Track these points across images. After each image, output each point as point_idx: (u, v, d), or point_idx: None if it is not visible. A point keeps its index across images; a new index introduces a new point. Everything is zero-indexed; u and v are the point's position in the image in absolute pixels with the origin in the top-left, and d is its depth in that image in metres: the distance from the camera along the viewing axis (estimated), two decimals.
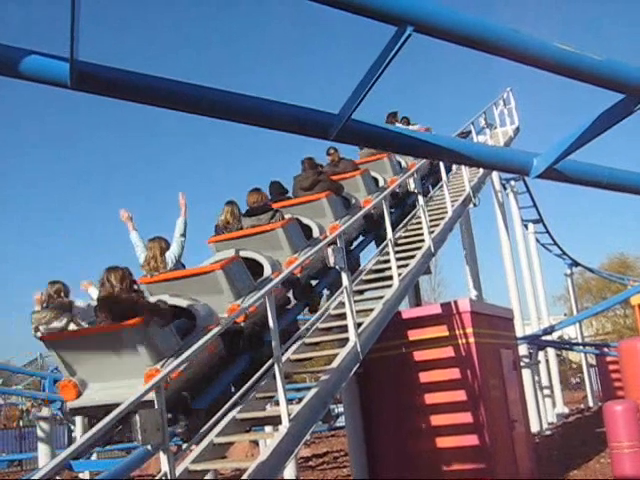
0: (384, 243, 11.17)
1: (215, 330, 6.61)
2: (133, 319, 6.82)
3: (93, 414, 7.31)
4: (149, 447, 5.35)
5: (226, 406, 7.47)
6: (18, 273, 77.23)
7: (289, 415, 6.91)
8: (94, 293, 8.38)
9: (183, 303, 7.82)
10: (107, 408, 6.13)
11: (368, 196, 12.08)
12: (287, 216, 9.93)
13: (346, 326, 8.64)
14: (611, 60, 4.32)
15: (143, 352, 6.89)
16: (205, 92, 4.34)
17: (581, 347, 32.30)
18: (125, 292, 7.14)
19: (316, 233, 10.55)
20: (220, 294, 8.19)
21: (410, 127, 15.38)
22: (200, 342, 6.36)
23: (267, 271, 9.02)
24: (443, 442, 11.50)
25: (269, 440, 7.07)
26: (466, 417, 11.46)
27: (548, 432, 22.08)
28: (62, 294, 8.08)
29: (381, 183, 13.08)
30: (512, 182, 27.73)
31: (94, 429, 5.42)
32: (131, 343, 6.89)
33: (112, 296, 7.12)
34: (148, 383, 5.73)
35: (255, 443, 18.17)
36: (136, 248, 8.73)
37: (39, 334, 7.71)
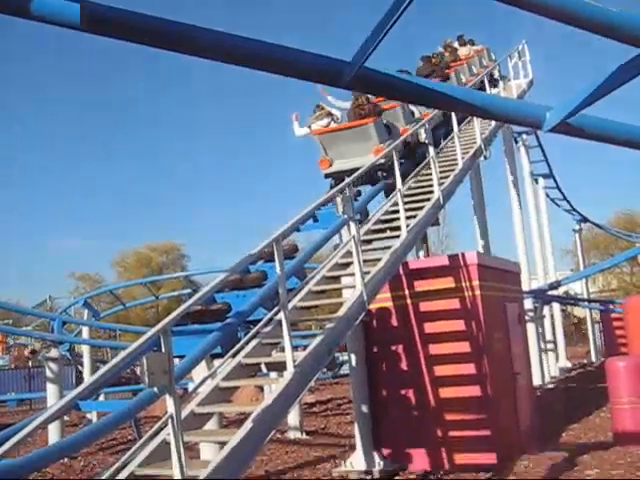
0: (393, 193, 11.15)
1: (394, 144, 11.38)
2: (370, 118, 12.58)
3: (338, 176, 12.33)
4: (155, 389, 5.41)
5: (232, 351, 7.56)
6: None
7: (294, 361, 6.98)
8: (297, 126, 13.47)
9: None
10: (347, 173, 11.51)
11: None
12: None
13: (353, 275, 8.67)
14: (627, 13, 4.25)
15: (375, 137, 12.53)
16: (218, 36, 4.30)
17: (586, 303, 32.41)
18: (366, 103, 12.82)
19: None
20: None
21: (468, 48, 20.10)
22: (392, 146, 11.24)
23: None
24: (446, 392, 11.61)
25: (274, 385, 7.16)
26: (469, 368, 11.55)
27: (550, 385, 22.28)
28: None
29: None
30: (524, 136, 27.55)
31: (102, 370, 5.50)
32: (367, 133, 12.54)
33: (360, 105, 12.82)
34: (379, 153, 11.68)
35: (260, 388, 18.36)
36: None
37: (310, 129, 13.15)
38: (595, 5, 4.12)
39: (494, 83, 19.50)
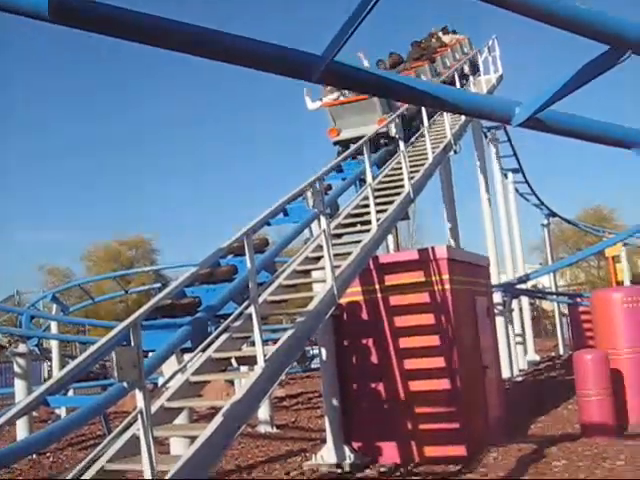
0: (363, 187, 11.21)
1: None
2: None
3: (344, 144, 14.18)
4: (125, 384, 5.39)
5: (202, 345, 7.54)
6: None
7: (264, 356, 6.98)
8: (309, 100, 14.95)
9: None
10: (352, 140, 13.36)
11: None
12: None
13: (323, 269, 8.69)
14: (596, 10, 4.28)
15: (379, 109, 14.01)
16: (187, 29, 4.28)
17: (554, 296, 32.68)
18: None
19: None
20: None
21: (450, 36, 21.46)
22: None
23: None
24: (416, 385, 11.67)
25: (244, 380, 7.15)
26: (439, 361, 11.62)
27: (519, 378, 22.48)
28: None
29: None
30: (493, 130, 27.72)
31: (70, 365, 5.47)
32: (372, 106, 13.98)
33: None
34: (382, 123, 13.29)
35: (230, 382, 18.32)
36: None
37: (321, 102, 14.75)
38: (565, 1, 4.15)
39: (475, 69, 20.72)
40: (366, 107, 14.07)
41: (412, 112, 14.47)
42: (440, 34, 21.92)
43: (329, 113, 14.68)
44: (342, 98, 14.64)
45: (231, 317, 7.89)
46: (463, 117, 15.98)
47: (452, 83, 16.96)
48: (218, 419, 6.32)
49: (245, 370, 8.38)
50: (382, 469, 11.10)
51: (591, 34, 4.35)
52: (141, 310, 5.77)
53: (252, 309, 7.07)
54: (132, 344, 5.41)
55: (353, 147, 11.36)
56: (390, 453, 11.61)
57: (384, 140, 13.95)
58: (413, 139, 14.62)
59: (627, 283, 27.04)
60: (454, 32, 22.71)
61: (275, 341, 7.88)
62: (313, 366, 24.23)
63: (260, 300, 7.71)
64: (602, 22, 4.30)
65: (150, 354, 7.64)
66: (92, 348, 5.39)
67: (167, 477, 5.56)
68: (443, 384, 11.54)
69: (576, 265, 54.42)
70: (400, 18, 65.08)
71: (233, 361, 8.00)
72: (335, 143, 14.84)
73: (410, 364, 11.78)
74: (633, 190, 79.01)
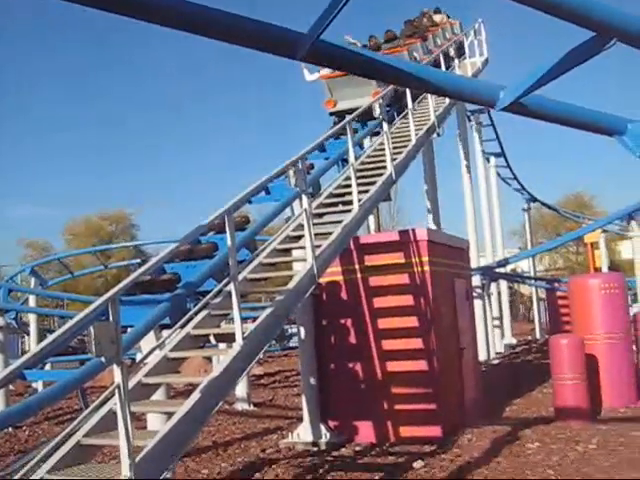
0: (346, 167, 11.20)
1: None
2: None
3: (341, 114, 14.69)
4: (103, 359, 5.38)
5: (181, 321, 7.54)
6: None
7: (243, 333, 6.99)
8: (307, 72, 15.79)
9: None
10: (348, 111, 14.00)
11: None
12: None
13: (303, 248, 8.70)
14: None
15: (374, 82, 13.78)
16: (171, 2, 4.23)
17: (533, 281, 32.92)
18: None
19: None
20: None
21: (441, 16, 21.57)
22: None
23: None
24: (393, 366, 11.74)
25: (222, 357, 7.16)
26: (417, 343, 11.69)
27: (495, 361, 22.67)
28: None
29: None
30: (477, 114, 27.75)
31: (48, 339, 5.45)
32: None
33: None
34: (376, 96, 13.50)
35: (208, 359, 18.34)
36: None
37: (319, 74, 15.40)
38: None
39: (461, 52, 21.01)
40: (362, 79, 13.94)
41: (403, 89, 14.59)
42: (432, 13, 21.98)
43: (326, 85, 15.43)
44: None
45: (210, 294, 7.89)
46: (447, 100, 15.97)
47: (438, 64, 16.99)
48: (195, 395, 6.33)
49: (223, 347, 8.38)
50: (358, 448, 11.18)
51: (577, 20, 4.35)
52: (120, 285, 5.75)
53: (232, 287, 7.06)
54: (110, 319, 5.40)
55: (336, 127, 11.34)
56: (366, 432, 11.68)
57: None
58: (397, 120, 14.62)
59: (605, 270, 27.22)
60: (447, 15, 22.66)
61: (254, 319, 7.88)
62: (291, 345, 24.33)
63: (240, 278, 7.71)
64: (588, 9, 4.30)
65: (129, 330, 7.63)
66: (70, 322, 5.37)
67: (143, 452, 5.57)
68: (420, 365, 11.61)
69: (555, 250, 54.78)
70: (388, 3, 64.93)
71: (211, 338, 8.00)
72: (331, 114, 15.64)
73: (388, 345, 11.83)
74: (614, 177, 79.44)
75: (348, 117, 11.59)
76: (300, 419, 12.27)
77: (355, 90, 14.72)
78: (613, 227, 29.33)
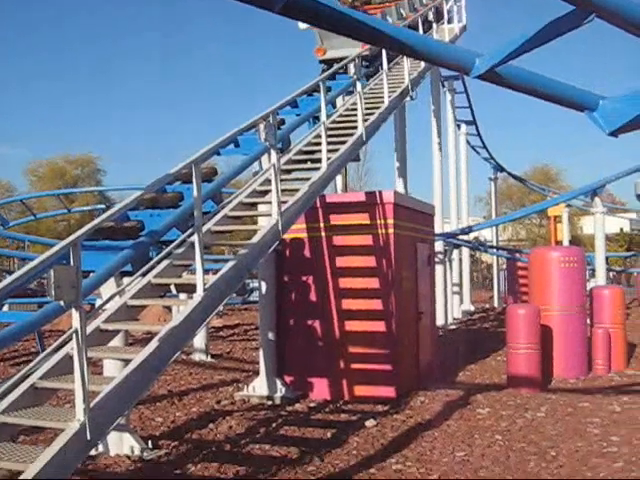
0: (317, 125, 11.14)
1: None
2: None
3: (329, 63, 15.22)
4: (62, 303, 5.35)
5: (142, 269, 7.51)
6: None
7: (204, 284, 6.99)
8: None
9: None
10: (337, 60, 14.15)
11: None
12: None
13: (269, 203, 8.68)
14: None
15: None
16: None
17: (495, 250, 33.27)
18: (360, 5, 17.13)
19: None
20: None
21: None
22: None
23: None
24: (352, 326, 11.84)
25: (182, 307, 7.15)
26: (376, 304, 11.79)
27: (452, 327, 22.97)
28: None
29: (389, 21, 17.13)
30: (451, 80, 27.71)
31: (7, 280, 5.40)
32: None
33: (356, 6, 15.68)
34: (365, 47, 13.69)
35: (168, 309, 18.34)
36: None
37: None
38: None
39: (440, 17, 21.03)
40: None
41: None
42: None
43: (317, 33, 15.92)
44: None
45: (174, 244, 7.87)
46: (423, 64, 15.91)
47: (416, 27, 16.89)
48: (153, 344, 6.33)
49: (184, 298, 8.39)
50: (312, 404, 11.29)
51: None
52: (83, 230, 5.69)
53: (195, 237, 7.03)
54: (72, 263, 5.35)
55: (309, 83, 11.23)
56: (321, 389, 11.81)
57: (364, 62, 14.81)
58: (371, 81, 14.56)
59: (566, 243, 27.64)
60: None
61: (216, 271, 7.87)
62: (252, 299, 24.34)
63: (204, 229, 7.68)
64: None
65: (90, 275, 7.59)
66: (30, 264, 5.32)
67: (98, 398, 5.58)
68: (378, 326, 11.72)
69: (519, 221, 55.42)
70: None
71: (172, 288, 8.00)
72: (321, 61, 16.28)
73: (348, 304, 11.92)
74: (582, 153, 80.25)
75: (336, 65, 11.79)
76: (257, 373, 12.36)
77: (345, 39, 14.69)
78: (577, 202, 29.77)
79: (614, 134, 6.32)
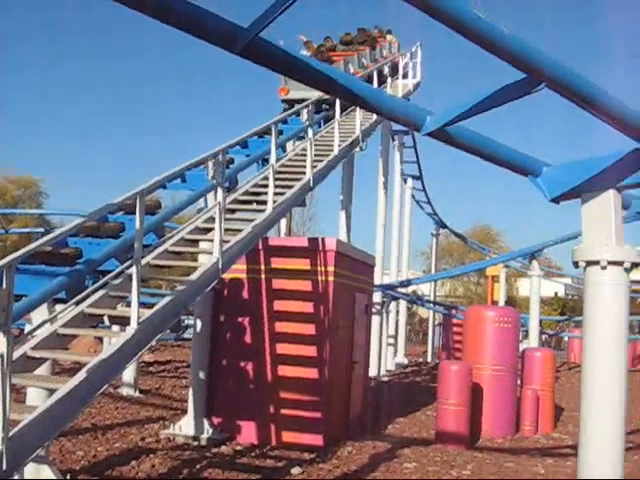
0: (265, 167, 11.19)
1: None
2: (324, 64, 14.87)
3: (291, 103, 16.04)
4: None
5: (77, 298, 7.38)
6: None
7: (139, 318, 6.89)
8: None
9: None
10: (299, 101, 14.84)
11: None
12: None
13: (211, 241, 8.65)
14: (519, 38, 4.41)
15: None
16: None
17: (431, 305, 33.53)
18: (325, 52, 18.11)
19: None
20: None
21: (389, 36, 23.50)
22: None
23: None
24: (284, 370, 11.76)
25: (114, 339, 7.03)
26: (311, 350, 11.74)
27: (385, 378, 22.97)
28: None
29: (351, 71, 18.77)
30: (401, 135, 28.10)
31: None
32: None
33: (321, 52, 18.03)
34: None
35: (99, 340, 18.02)
36: None
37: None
38: (488, 22, 4.24)
39: (395, 71, 21.72)
40: None
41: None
42: (381, 27, 23.68)
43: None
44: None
45: (111, 274, 7.77)
46: (375, 116, 16.15)
47: (372, 79, 17.24)
48: (81, 375, 6.19)
49: (117, 330, 8.25)
50: (238, 447, 11.14)
51: (512, 60, 4.47)
52: (19, 252, 5.59)
53: (134, 269, 6.95)
54: (4, 286, 5.23)
55: (261, 126, 11.28)
56: (249, 433, 11.66)
57: (325, 105, 15.72)
58: (323, 129, 14.72)
59: (502, 303, 28.01)
60: (389, 31, 23.94)
61: (151, 306, 7.78)
62: (186, 336, 24.06)
63: (143, 262, 7.61)
64: (523, 51, 4.43)
65: (22, 299, 7.43)
66: None
67: (19, 427, 5.42)
68: (311, 373, 11.67)
69: (457, 278, 55.99)
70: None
71: (106, 319, 7.86)
72: (283, 101, 16.93)
73: (283, 349, 11.85)
74: (523, 215, 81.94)
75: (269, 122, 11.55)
76: (184, 411, 12.16)
77: None
78: (515, 264, 30.28)
79: (555, 200, 6.49)
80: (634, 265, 6.10)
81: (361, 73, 18.25)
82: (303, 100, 13.68)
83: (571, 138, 71.40)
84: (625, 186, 6.27)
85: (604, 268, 5.96)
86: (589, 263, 6.09)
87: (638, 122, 5.44)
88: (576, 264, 6.35)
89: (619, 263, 5.98)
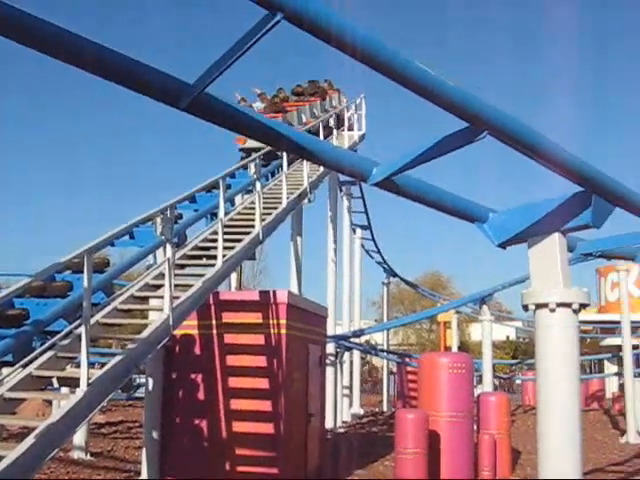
0: (214, 222, 11.17)
1: None
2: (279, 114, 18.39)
3: (248, 152, 16.01)
4: None
5: (24, 360, 7.22)
6: None
7: (89, 379, 6.75)
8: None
9: None
10: (255, 150, 14.60)
11: None
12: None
13: (161, 298, 8.56)
14: (461, 88, 4.51)
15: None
16: (59, 33, 4.15)
17: (385, 354, 33.52)
18: (279, 102, 20.02)
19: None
20: None
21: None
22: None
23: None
24: (239, 427, 11.60)
25: (63, 402, 6.87)
26: (266, 405, 11.62)
27: (341, 430, 22.77)
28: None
29: (304, 120, 19.94)
30: (348, 185, 28.33)
31: None
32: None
33: (276, 102, 19.57)
34: None
35: (48, 403, 17.58)
36: None
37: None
38: (434, 76, 4.32)
39: (340, 123, 22.39)
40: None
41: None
42: (331, 80, 24.34)
43: None
44: (260, 108, 18.28)
45: (59, 335, 7.62)
46: (322, 167, 16.29)
47: (317, 131, 17.52)
48: (29, 440, 6.03)
49: (66, 392, 8.06)
50: None
51: (453, 110, 4.56)
52: None
53: (82, 329, 6.83)
54: None
55: (208, 180, 11.29)
56: None
57: (279, 153, 15.45)
58: (270, 182, 14.78)
59: (455, 349, 28.12)
60: (330, 83, 24.34)
61: (102, 365, 7.63)
62: (138, 395, 23.62)
63: (92, 321, 7.48)
64: (464, 100, 4.52)
65: None
66: None
67: None
68: (267, 428, 11.53)
69: (409, 326, 56.19)
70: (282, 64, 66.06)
71: (54, 381, 7.68)
72: (240, 150, 17.23)
73: (237, 404, 11.71)
74: (472, 261, 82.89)
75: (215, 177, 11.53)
76: (138, 473, 11.89)
77: None
78: (466, 309, 30.52)
79: (502, 246, 6.59)
80: (582, 306, 6.21)
81: (312, 122, 18.93)
82: (260, 149, 13.75)
83: (517, 181, 72.91)
84: (569, 229, 6.41)
85: (553, 310, 6.05)
86: (538, 306, 6.19)
87: (579, 168, 5.58)
88: (526, 307, 6.45)
89: (567, 305, 6.08)
